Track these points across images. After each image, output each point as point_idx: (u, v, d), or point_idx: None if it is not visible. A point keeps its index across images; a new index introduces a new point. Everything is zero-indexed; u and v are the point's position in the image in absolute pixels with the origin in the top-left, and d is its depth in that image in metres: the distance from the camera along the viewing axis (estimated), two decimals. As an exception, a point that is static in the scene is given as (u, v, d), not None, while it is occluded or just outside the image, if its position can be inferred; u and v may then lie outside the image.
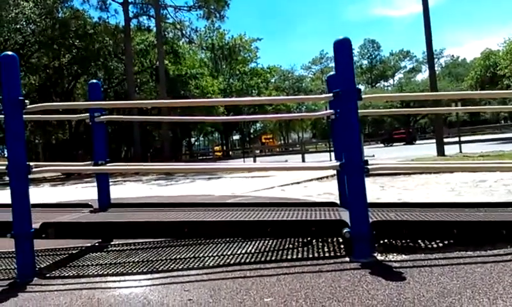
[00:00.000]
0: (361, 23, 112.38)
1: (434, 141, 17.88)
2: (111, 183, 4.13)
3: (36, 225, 2.81)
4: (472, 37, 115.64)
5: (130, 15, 28.14)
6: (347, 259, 2.59)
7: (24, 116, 2.80)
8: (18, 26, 24.81)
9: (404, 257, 2.57)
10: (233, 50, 48.10)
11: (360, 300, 1.95)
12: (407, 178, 8.34)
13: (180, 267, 2.70)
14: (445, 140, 17.06)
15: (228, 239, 3.25)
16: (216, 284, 2.30)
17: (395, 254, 2.62)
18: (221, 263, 2.72)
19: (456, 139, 18.20)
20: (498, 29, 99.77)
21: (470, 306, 1.81)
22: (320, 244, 2.99)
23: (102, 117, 3.85)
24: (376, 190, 6.91)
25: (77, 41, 27.07)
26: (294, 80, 71.49)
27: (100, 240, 3.46)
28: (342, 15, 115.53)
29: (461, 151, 16.17)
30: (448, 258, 2.48)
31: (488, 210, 3.25)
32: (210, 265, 2.71)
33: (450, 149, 16.30)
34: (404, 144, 36.86)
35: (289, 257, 2.78)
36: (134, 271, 2.69)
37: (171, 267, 2.73)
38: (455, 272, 2.24)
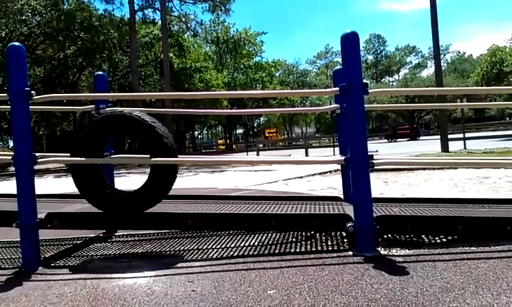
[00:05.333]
0: (368, 17, 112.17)
1: (438, 137, 17.82)
2: (114, 175, 4.14)
3: (41, 215, 2.83)
4: (479, 32, 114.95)
5: (136, 7, 28.06)
6: (351, 253, 2.60)
7: (30, 106, 2.81)
8: (23, 17, 24.85)
9: (407, 252, 2.57)
10: (238, 44, 47.99)
11: (363, 293, 1.95)
12: (410, 174, 8.32)
13: (183, 259, 2.72)
14: (450, 136, 17.01)
15: (231, 232, 3.26)
16: (220, 276, 2.31)
17: (398, 249, 2.62)
18: (224, 255, 2.73)
19: (461, 135, 18.13)
20: (505, 24, 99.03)
21: (473, 301, 1.81)
22: (324, 237, 3.00)
23: (107, 109, 3.86)
24: (380, 185, 6.90)
25: (82, 33, 27.05)
26: (299, 74, 71.42)
27: (105, 231, 3.48)
28: (348, 8, 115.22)
29: (465, 148, 16.12)
30: (452, 254, 2.48)
31: (492, 206, 3.25)
32: (214, 257, 2.72)
33: (454, 146, 16.25)
34: (408, 140, 36.75)
35: (292, 250, 2.78)
36: (138, 262, 2.70)
37: (175, 258, 2.74)
38: (458, 267, 2.24)
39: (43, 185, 10.58)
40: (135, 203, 2.89)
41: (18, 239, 2.73)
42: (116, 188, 3.14)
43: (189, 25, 32.80)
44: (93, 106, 3.89)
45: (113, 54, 29.06)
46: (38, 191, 2.79)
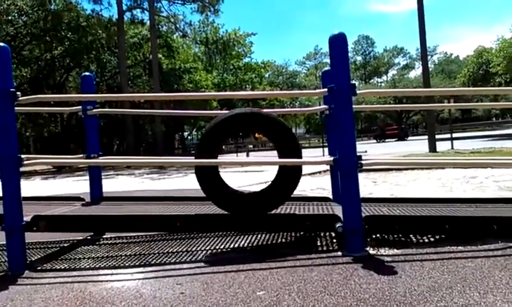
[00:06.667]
0: (356, 18, 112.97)
1: (426, 137, 17.99)
2: (103, 177, 4.11)
3: (27, 218, 2.79)
4: (466, 34, 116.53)
5: (124, 7, 27.86)
6: (340, 253, 2.61)
7: (16, 108, 2.77)
8: (9, 18, 24.53)
9: (395, 251, 2.59)
10: (228, 45, 47.80)
11: (352, 293, 1.96)
12: (399, 174, 8.38)
13: (172, 261, 2.70)
14: (437, 136, 17.18)
15: (220, 233, 3.25)
16: (209, 278, 2.30)
17: (387, 249, 2.64)
18: (213, 257, 2.72)
19: (448, 135, 18.32)
20: (492, 26, 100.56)
21: (460, 300, 1.82)
22: (313, 238, 3.00)
23: (94, 110, 3.83)
24: (369, 185, 6.94)
25: (70, 33, 26.75)
26: (288, 75, 71.59)
27: (92, 234, 3.44)
28: (337, 10, 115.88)
29: (452, 148, 16.28)
30: (440, 253, 2.51)
31: (479, 205, 3.29)
32: (203, 258, 2.70)
33: (442, 146, 16.41)
34: (396, 140, 37.06)
35: (282, 251, 2.78)
36: (127, 264, 2.68)
37: (164, 260, 2.72)
38: (446, 266, 2.26)
39: (30, 187, 10.44)
40: (260, 203, 2.89)
41: (4, 242, 2.69)
42: (237, 190, 3.08)
43: (177, 25, 32.68)
44: (80, 107, 3.86)
45: (101, 55, 28.82)
46: (24, 193, 2.75)
